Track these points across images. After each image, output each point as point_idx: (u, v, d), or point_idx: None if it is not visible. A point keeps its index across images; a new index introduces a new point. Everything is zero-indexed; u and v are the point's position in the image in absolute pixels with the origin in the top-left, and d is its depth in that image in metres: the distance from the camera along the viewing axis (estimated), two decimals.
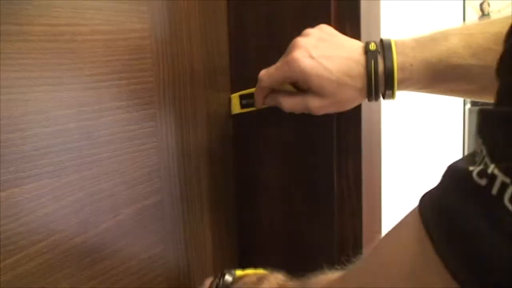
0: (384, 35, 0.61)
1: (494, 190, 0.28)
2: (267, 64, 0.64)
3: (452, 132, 1.27)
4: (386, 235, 0.41)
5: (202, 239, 0.70)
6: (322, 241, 0.69)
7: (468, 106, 2.81)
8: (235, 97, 0.75)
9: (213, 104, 0.71)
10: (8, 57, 0.46)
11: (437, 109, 1.14)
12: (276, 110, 0.67)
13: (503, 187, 0.27)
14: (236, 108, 0.75)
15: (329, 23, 0.63)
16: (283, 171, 0.71)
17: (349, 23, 0.64)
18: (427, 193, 0.35)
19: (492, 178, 0.28)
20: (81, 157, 0.53)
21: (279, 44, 0.66)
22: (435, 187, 0.34)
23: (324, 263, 0.68)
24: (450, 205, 0.31)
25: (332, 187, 0.67)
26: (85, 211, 0.54)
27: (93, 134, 0.54)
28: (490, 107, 0.30)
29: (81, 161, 0.53)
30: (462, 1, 1.24)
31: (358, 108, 0.66)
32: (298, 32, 0.62)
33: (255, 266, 0.66)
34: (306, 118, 0.68)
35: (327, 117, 0.66)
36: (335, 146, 0.67)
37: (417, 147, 1.01)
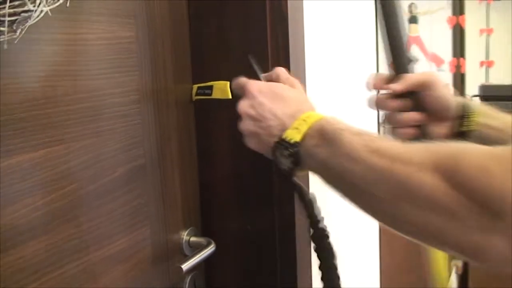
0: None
1: None
2: (219, 62, 0.88)
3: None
4: None
5: (173, 193, 0.92)
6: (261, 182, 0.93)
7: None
8: (194, 87, 0.97)
9: (179, 92, 0.93)
10: (44, 56, 0.67)
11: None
12: (227, 100, 0.91)
13: None
14: (194, 96, 0.97)
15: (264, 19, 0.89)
16: (233, 141, 0.94)
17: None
18: None
19: None
20: (93, 128, 0.74)
21: (227, 45, 0.90)
22: None
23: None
24: None
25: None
26: (96, 167, 0.75)
27: (100, 112, 0.75)
28: None
29: (92, 130, 0.74)
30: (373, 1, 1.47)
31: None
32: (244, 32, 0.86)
33: (215, 215, 0.90)
34: None
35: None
36: None
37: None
